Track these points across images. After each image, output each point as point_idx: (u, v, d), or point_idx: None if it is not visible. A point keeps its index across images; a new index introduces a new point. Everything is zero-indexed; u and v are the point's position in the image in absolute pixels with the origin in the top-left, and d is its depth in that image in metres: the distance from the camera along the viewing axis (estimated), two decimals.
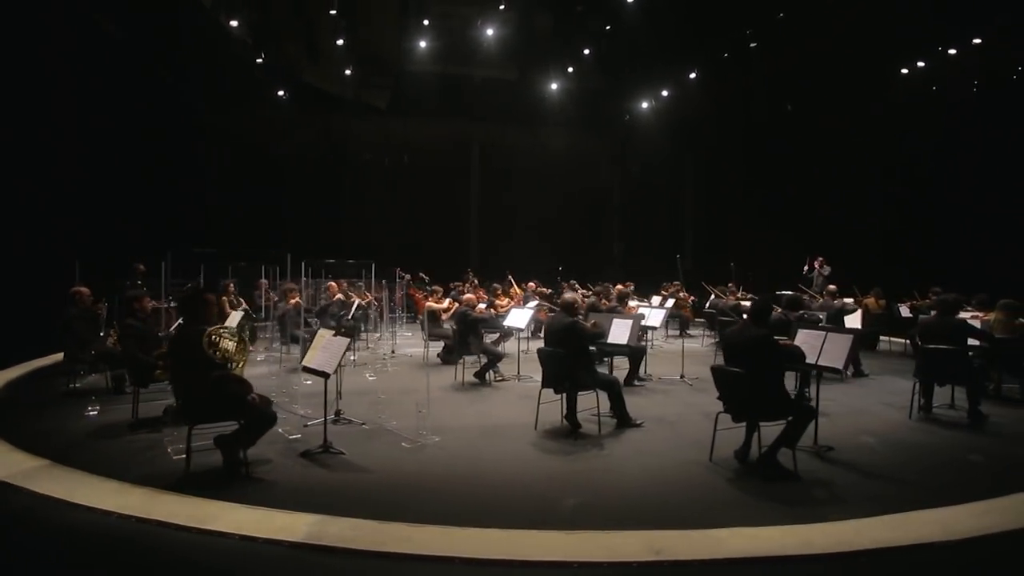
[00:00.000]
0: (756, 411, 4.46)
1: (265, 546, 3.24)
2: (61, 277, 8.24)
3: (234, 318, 8.33)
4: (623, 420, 5.72)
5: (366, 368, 8.72)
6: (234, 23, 12.85)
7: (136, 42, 12.40)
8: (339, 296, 10.58)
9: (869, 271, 12.41)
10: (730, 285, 14.44)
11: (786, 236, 15.36)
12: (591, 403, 5.55)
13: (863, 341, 10.78)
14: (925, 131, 13.18)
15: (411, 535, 3.36)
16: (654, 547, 3.20)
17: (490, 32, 15.71)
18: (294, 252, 9.32)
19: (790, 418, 4.48)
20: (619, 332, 6.13)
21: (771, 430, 4.48)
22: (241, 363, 4.36)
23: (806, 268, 13.08)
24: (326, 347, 4.95)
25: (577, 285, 13.40)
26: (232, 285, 10.58)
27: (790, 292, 13.16)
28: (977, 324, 7.19)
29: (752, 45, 13.12)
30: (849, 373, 8.56)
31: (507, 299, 11.10)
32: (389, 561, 3.13)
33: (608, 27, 16.26)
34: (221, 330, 4.28)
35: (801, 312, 6.74)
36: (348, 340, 4.96)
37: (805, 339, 5.13)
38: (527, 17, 16.61)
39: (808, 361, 4.97)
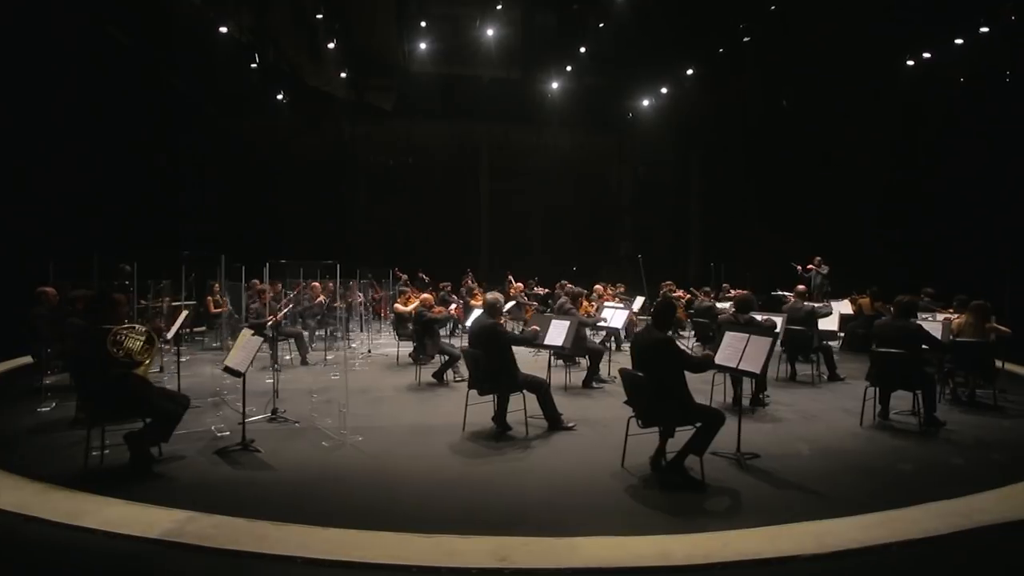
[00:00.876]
0: (657, 417, 4.35)
1: (123, 542, 3.31)
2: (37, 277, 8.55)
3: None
4: (553, 422, 5.66)
5: (335, 367, 8.85)
6: (228, 27, 13.15)
7: (140, 47, 12.81)
8: (321, 298, 10.72)
9: (870, 271, 12.01)
10: (724, 286, 14.17)
11: (789, 235, 14.97)
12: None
13: (851, 343, 10.45)
14: (925, 124, 12.69)
15: (269, 534, 3.38)
16: (500, 554, 3.15)
17: (494, 32, 15.73)
18: (296, 254, 9.59)
19: (698, 424, 4.37)
20: (556, 334, 6.05)
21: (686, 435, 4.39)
22: (146, 362, 4.46)
23: (800, 269, 12.68)
24: (244, 346, 5.02)
25: (567, 284, 13.31)
26: (218, 286, 10.82)
27: (782, 292, 13.13)
28: (938, 326, 6.91)
29: (746, 40, 12.79)
30: (825, 377, 8.32)
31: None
32: (237, 559, 3.16)
33: (606, 24, 16.09)
34: (127, 330, 4.38)
35: (750, 315, 6.53)
36: (261, 340, 5.00)
37: (730, 342, 4.99)
38: (531, 16, 16.63)
39: (730, 365, 4.86)
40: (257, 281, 8.72)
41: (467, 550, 3.20)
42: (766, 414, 6.45)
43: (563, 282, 13.92)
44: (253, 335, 5.03)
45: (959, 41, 11.58)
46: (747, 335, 4.89)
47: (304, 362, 9.21)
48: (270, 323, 6.96)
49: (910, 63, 12.46)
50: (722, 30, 13.42)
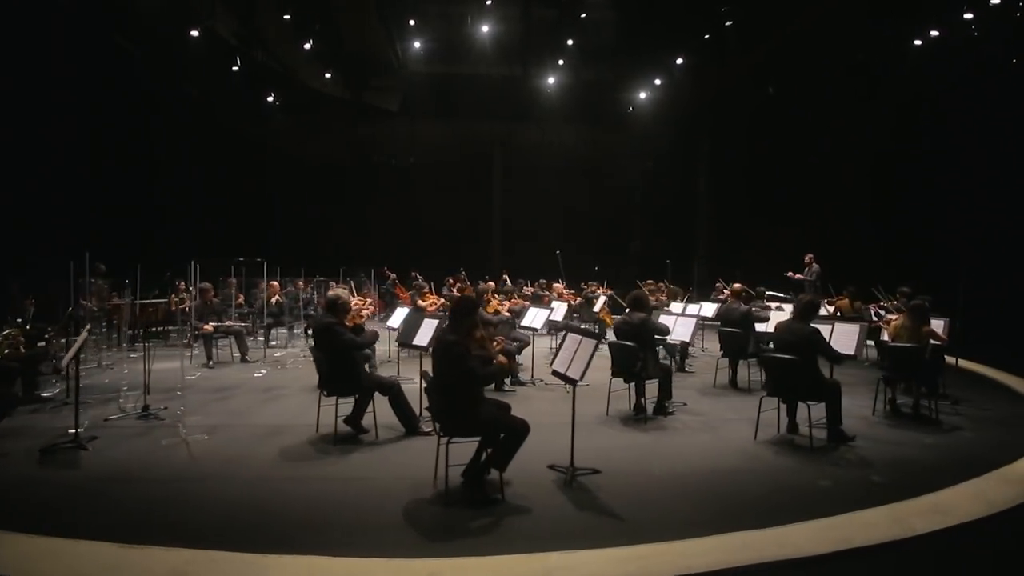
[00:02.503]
0: (447, 426, 4.00)
1: None
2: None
3: None
4: (409, 426, 5.38)
5: (261, 365, 8.86)
6: (220, 30, 13.47)
7: (147, 56, 13.31)
8: (277, 297, 10.79)
9: (862, 268, 11.08)
10: (718, 285, 13.42)
11: (790, 232, 14.09)
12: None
13: None
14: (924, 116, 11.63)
15: None
16: (179, 569, 2.92)
17: (493, 29, 15.55)
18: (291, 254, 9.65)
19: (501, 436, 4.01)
20: (423, 334, 5.76)
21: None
22: None
23: (793, 275, 11.78)
24: (77, 343, 5.00)
25: (545, 282, 12.96)
26: (184, 284, 11.05)
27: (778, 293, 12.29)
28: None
29: (728, 23, 12.03)
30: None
31: (437, 298, 10.80)
32: None
33: (601, 15, 15.61)
34: None
35: (644, 315, 6.01)
36: (85, 336, 4.96)
37: (567, 345, 4.59)
38: (528, 11, 16.30)
39: (560, 369, 4.46)
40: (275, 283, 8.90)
41: (140, 563, 2.98)
42: (663, 424, 5.94)
43: (540, 281, 13.62)
44: (89, 331, 5.00)
45: (968, 16, 10.51)
46: (580, 338, 4.48)
47: (244, 360, 9.25)
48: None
49: (917, 42, 11.41)
50: (707, 14, 12.69)
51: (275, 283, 11.01)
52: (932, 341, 6.11)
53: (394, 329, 7.93)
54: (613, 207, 20.59)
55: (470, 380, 3.92)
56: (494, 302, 7.73)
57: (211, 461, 4.72)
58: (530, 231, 20.56)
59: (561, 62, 16.32)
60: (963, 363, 9.18)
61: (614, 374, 6.12)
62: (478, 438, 4.00)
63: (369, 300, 9.78)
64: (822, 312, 10.38)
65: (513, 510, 3.85)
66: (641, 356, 5.87)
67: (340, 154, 19.20)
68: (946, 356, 7.21)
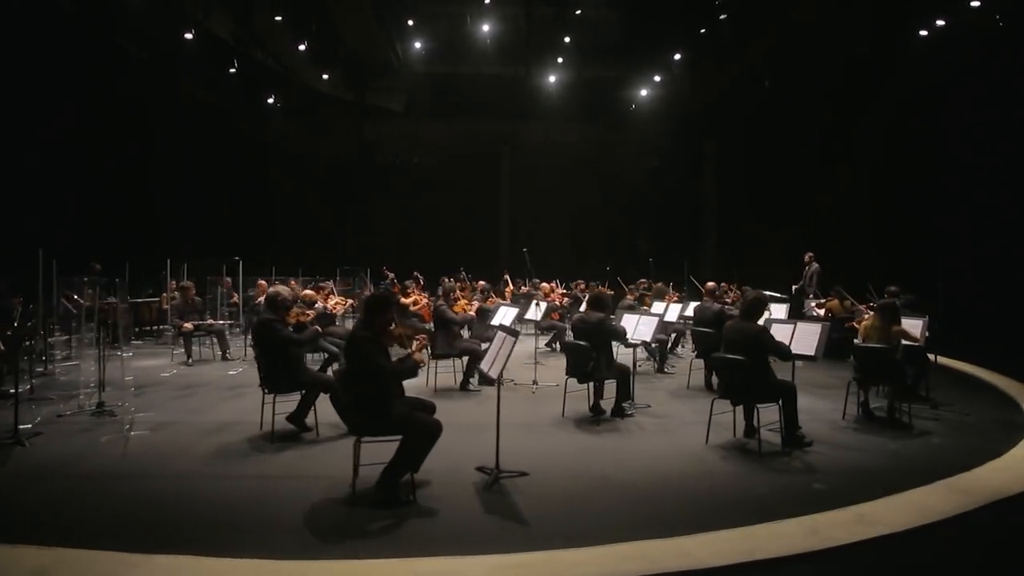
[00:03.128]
0: (356, 424, 3.90)
1: None
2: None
3: None
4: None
5: (239, 364, 8.90)
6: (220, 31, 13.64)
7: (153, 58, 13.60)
8: (263, 298, 10.83)
9: (862, 269, 10.65)
10: (722, 285, 13.10)
11: (795, 231, 13.68)
12: None
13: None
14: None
15: None
16: (43, 568, 2.87)
17: (495, 29, 15.50)
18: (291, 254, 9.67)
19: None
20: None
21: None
22: None
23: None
24: None
25: (537, 281, 12.82)
26: (175, 283, 11.20)
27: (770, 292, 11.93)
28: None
29: (722, 16, 11.69)
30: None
31: (422, 295, 10.70)
32: None
33: (603, 15, 15.39)
34: None
35: (602, 315, 5.82)
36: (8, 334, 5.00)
37: (496, 343, 4.46)
38: (529, 11, 16.17)
39: (484, 368, 4.33)
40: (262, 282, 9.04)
41: (5, 562, 2.94)
42: (618, 426, 5.74)
43: (535, 280, 13.46)
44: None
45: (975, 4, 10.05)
46: (504, 336, 4.34)
47: (224, 357, 9.31)
48: None
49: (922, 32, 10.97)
50: (705, 10, 12.37)
51: (263, 282, 11.07)
52: (906, 341, 5.80)
53: None
54: (619, 206, 20.29)
55: (377, 377, 3.81)
56: (462, 301, 7.61)
57: (143, 458, 4.70)
58: (538, 231, 20.43)
59: (561, 60, 16.18)
60: (959, 364, 8.90)
61: (568, 374, 5.97)
62: (386, 438, 3.89)
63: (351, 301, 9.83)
64: (812, 314, 10.20)
65: (418, 513, 3.73)
66: (593, 356, 5.69)
67: (344, 154, 19.33)
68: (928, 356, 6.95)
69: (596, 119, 18.73)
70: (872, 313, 6.29)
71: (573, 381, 5.96)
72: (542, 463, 4.59)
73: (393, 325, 4.20)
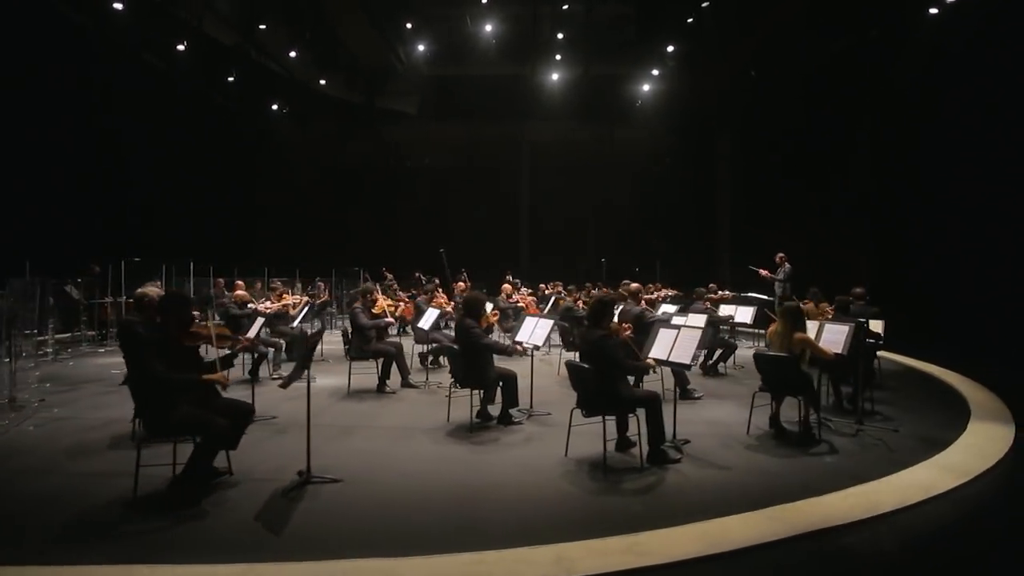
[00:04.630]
0: (144, 423, 3.88)
1: None
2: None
3: None
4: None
5: None
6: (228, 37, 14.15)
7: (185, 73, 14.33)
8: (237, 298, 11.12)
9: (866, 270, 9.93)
10: (711, 286, 12.52)
11: (806, 231, 12.90)
12: None
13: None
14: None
15: None
16: None
17: (499, 30, 15.48)
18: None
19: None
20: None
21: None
22: None
23: (765, 273, 10.76)
24: None
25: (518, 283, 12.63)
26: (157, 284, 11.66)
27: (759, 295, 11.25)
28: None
29: (704, 4, 11.09)
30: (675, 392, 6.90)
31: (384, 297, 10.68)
32: None
33: (610, 11, 15.05)
34: None
35: (474, 324, 5.58)
36: None
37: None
38: (545, 11, 15.99)
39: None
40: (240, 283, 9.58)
41: None
42: (494, 435, 5.48)
43: (516, 281, 13.22)
44: None
45: None
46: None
47: None
48: None
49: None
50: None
51: (240, 282, 11.36)
52: (813, 348, 5.26)
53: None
54: (633, 204, 19.75)
55: (155, 379, 3.77)
56: (380, 302, 7.53)
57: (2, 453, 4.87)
58: (554, 231, 20.21)
59: (569, 58, 15.87)
60: (938, 371, 8.20)
61: (452, 375, 5.79)
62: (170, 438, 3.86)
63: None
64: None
65: (195, 516, 3.66)
66: (465, 363, 5.49)
67: (355, 157, 19.68)
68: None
69: (606, 116, 18.28)
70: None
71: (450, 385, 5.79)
72: (369, 470, 4.48)
73: (206, 324, 4.18)
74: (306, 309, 9.03)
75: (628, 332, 5.02)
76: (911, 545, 3.42)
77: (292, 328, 8.91)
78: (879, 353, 7.65)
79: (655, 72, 15.10)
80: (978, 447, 4.98)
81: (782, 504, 3.78)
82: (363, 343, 6.99)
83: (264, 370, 7.82)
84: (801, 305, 6.03)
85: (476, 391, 5.80)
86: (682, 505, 3.85)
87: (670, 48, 14.49)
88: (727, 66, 14.13)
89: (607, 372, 4.51)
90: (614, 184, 19.59)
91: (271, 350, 8.10)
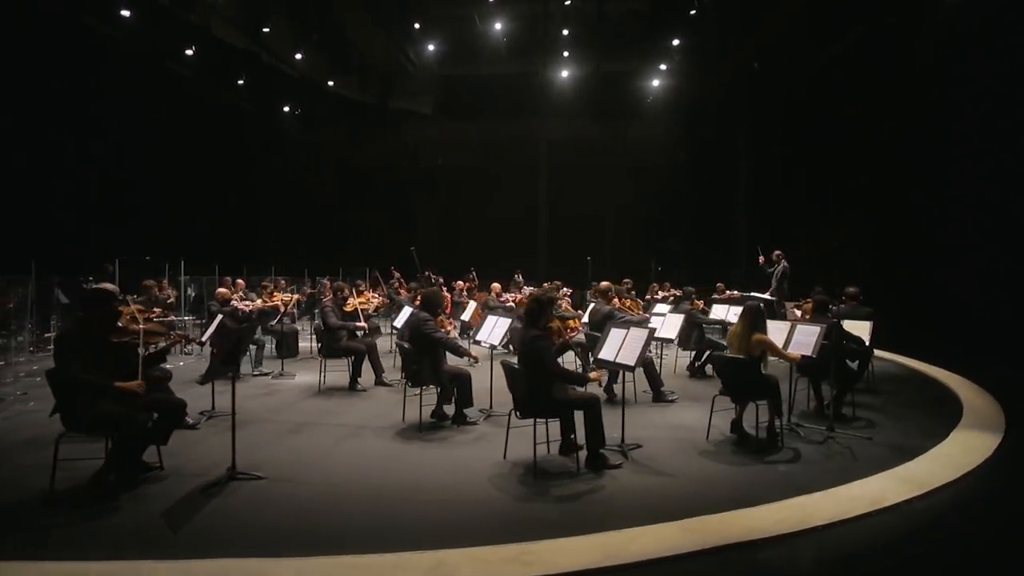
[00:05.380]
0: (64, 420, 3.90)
1: None
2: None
3: None
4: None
5: (194, 358, 9.32)
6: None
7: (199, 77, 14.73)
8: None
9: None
10: (719, 285, 12.17)
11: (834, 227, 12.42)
12: None
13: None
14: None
15: None
16: None
17: (511, 27, 15.43)
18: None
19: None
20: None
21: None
22: None
23: (762, 259, 10.41)
24: None
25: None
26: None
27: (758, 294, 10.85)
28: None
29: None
30: (648, 395, 6.67)
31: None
32: None
33: (620, 8, 14.78)
34: None
35: (427, 316, 5.46)
36: None
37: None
38: (555, 8, 15.84)
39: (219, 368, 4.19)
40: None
41: None
42: (446, 436, 5.36)
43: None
44: None
45: None
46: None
47: (183, 351, 9.79)
48: None
49: None
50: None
51: (240, 281, 11.53)
52: (775, 351, 4.98)
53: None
54: (650, 203, 19.35)
55: (66, 378, 3.78)
56: (352, 301, 7.50)
57: None
58: (571, 230, 19.99)
59: (572, 56, 15.69)
60: (942, 374, 7.75)
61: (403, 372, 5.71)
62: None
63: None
64: (791, 317, 9.13)
65: (104, 512, 3.65)
66: (417, 359, 5.39)
67: (369, 158, 19.83)
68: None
69: (619, 113, 17.99)
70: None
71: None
72: (299, 467, 4.47)
73: (138, 319, 4.20)
74: (291, 308, 9.12)
75: (574, 335, 4.85)
76: (828, 562, 3.17)
77: (279, 326, 9.02)
78: (876, 354, 7.32)
79: (664, 67, 14.74)
80: (951, 457, 4.63)
81: (708, 515, 3.56)
82: (333, 341, 6.98)
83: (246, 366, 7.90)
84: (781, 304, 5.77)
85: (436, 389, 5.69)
86: (600, 513, 3.67)
87: (681, 43, 14.13)
88: (738, 60, 13.65)
89: (539, 373, 4.35)
90: (629, 182, 19.26)
91: (253, 347, 8.19)
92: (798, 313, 8.89)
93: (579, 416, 4.47)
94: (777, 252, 10.23)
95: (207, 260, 12.99)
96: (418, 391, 5.61)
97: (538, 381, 4.35)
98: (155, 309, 6.25)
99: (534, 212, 20.51)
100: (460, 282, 12.47)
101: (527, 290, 13.34)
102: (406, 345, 5.44)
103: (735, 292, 11.54)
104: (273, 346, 9.23)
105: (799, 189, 13.57)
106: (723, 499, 3.84)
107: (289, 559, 3.02)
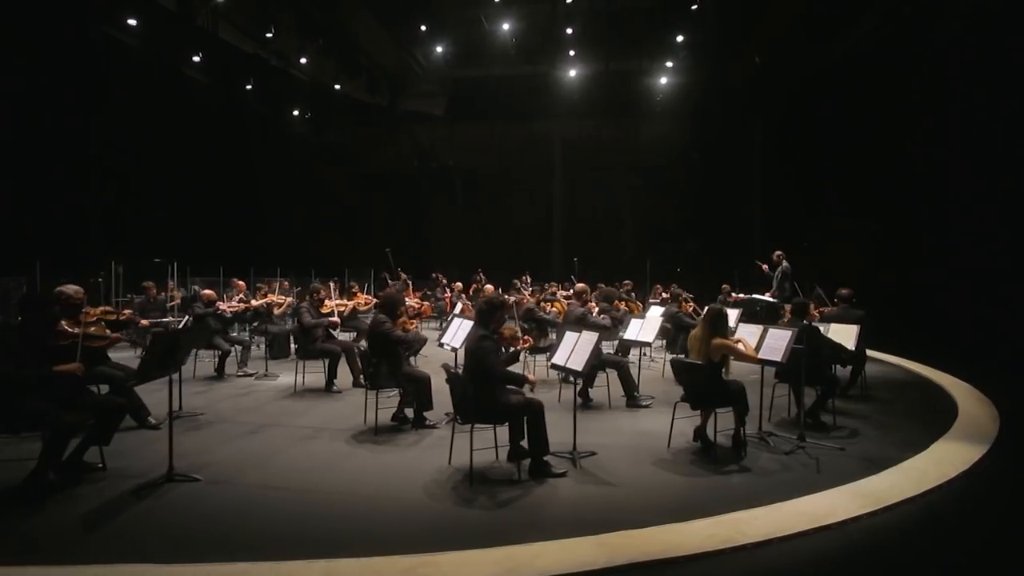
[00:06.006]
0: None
1: None
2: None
3: None
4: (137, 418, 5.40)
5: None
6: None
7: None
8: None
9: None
10: (724, 287, 11.82)
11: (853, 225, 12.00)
12: None
13: None
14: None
15: None
16: None
17: (520, 27, 15.38)
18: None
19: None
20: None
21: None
22: None
23: (764, 267, 10.07)
24: None
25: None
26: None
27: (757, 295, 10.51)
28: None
29: None
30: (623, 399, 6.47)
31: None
32: None
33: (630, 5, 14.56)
34: None
35: (384, 318, 5.38)
36: None
37: None
38: (563, 8, 15.70)
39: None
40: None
41: None
42: (399, 439, 5.26)
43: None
44: None
45: None
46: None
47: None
48: None
49: None
50: None
51: (241, 282, 11.65)
52: (735, 353, 4.75)
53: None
54: (667, 203, 18.99)
55: None
56: (328, 303, 7.48)
57: None
58: (587, 231, 19.80)
59: (581, 55, 15.53)
60: (950, 380, 7.40)
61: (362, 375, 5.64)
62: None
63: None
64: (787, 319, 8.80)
65: (29, 513, 3.66)
66: (373, 361, 5.32)
67: (382, 160, 19.94)
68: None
69: (630, 112, 17.71)
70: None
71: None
72: (241, 469, 4.43)
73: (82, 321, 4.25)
74: (284, 309, 9.17)
75: (528, 343, 4.73)
76: None
77: (265, 326, 9.06)
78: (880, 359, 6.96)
79: (669, 64, 14.42)
80: (921, 471, 4.34)
81: (633, 530, 3.38)
82: (308, 342, 6.96)
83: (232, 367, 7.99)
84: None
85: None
86: (524, 524, 3.52)
87: (687, 39, 13.82)
88: (747, 56, 13.27)
89: (482, 376, 4.22)
90: (644, 182, 18.94)
91: (239, 347, 8.25)
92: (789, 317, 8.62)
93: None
94: (778, 252, 9.89)
95: (215, 262, 13.22)
96: (387, 393, 5.55)
97: (481, 384, 4.22)
98: (124, 312, 6.30)
99: (549, 212, 20.35)
100: (459, 283, 12.40)
101: (526, 292, 13.21)
102: (361, 347, 5.36)
103: (740, 294, 11.21)
104: (265, 347, 9.30)
105: (811, 188, 13.10)
106: (659, 512, 3.66)
107: (176, 566, 2.96)
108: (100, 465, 4.31)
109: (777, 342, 5.03)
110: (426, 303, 11.71)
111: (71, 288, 5.51)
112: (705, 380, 4.68)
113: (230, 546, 3.22)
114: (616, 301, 9.62)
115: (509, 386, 4.44)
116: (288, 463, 4.62)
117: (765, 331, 5.21)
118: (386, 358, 5.32)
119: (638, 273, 14.92)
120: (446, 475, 4.33)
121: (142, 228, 14.03)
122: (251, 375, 8.01)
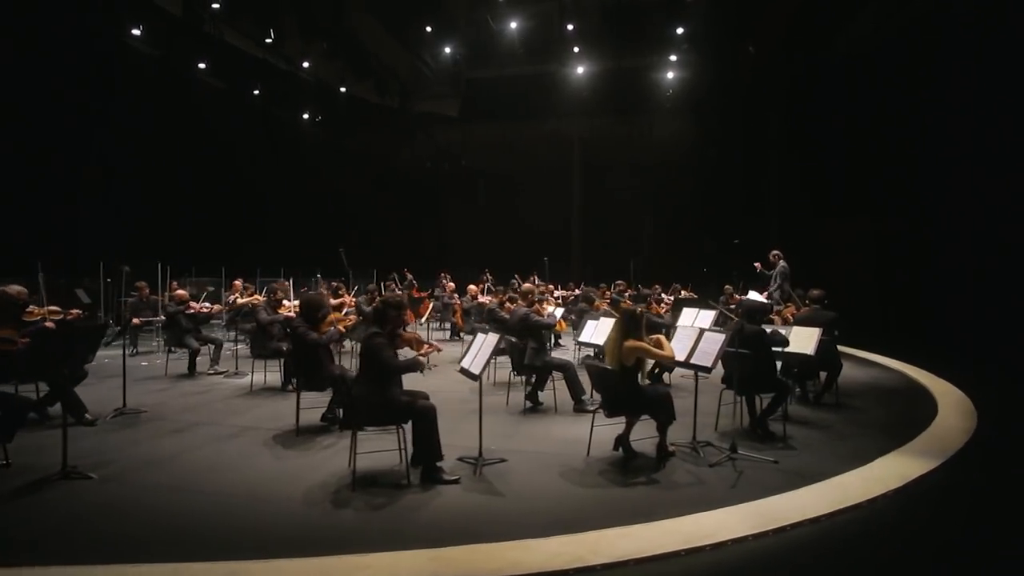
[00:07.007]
0: None
1: None
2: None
3: None
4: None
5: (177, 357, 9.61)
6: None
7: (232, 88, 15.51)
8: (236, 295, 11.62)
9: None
10: (727, 288, 11.36)
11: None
12: None
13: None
14: None
15: None
16: None
17: (529, 25, 15.28)
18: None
19: None
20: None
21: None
22: None
23: (760, 266, 9.63)
24: None
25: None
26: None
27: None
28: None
29: None
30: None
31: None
32: None
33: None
34: None
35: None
36: None
37: None
38: (571, 6, 15.47)
39: None
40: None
41: None
42: (324, 440, 5.20)
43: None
44: None
45: None
46: None
47: (169, 351, 10.17)
48: None
49: None
50: None
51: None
52: (649, 354, 4.45)
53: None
54: (683, 203, 18.45)
55: None
56: (286, 304, 7.47)
57: None
58: (603, 231, 19.48)
59: (591, 53, 15.27)
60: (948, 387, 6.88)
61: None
62: None
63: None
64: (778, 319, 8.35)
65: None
66: (299, 363, 5.25)
67: (396, 161, 20.05)
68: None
69: (643, 110, 17.28)
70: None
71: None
72: (146, 467, 4.43)
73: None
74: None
75: (430, 349, 4.57)
76: None
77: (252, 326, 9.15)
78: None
79: (674, 58, 13.96)
80: (843, 488, 3.97)
81: (478, 544, 3.17)
82: (264, 341, 6.97)
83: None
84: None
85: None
86: (376, 531, 3.38)
87: (696, 33, 13.36)
88: (760, 51, 12.72)
89: (373, 374, 4.09)
90: (659, 179, 18.47)
91: (211, 346, 8.35)
92: (778, 320, 8.15)
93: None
94: (775, 252, 9.51)
95: (219, 262, 13.52)
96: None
97: (373, 384, 4.08)
98: (72, 311, 6.41)
99: (567, 212, 20.09)
100: (451, 284, 12.32)
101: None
102: (284, 348, 5.31)
103: (737, 296, 10.73)
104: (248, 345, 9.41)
105: (822, 186, 12.46)
106: (538, 525, 3.42)
107: (39, 568, 2.92)
108: (4, 462, 4.38)
109: (710, 346, 4.71)
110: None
111: (14, 288, 5.66)
112: (618, 385, 4.41)
113: (99, 548, 3.17)
114: (597, 303, 9.41)
115: (405, 391, 4.32)
116: (191, 463, 4.58)
117: (700, 335, 4.89)
118: (309, 358, 5.25)
119: (656, 274, 14.50)
120: (335, 479, 4.21)
121: (147, 228, 14.46)
122: (222, 373, 8.10)
